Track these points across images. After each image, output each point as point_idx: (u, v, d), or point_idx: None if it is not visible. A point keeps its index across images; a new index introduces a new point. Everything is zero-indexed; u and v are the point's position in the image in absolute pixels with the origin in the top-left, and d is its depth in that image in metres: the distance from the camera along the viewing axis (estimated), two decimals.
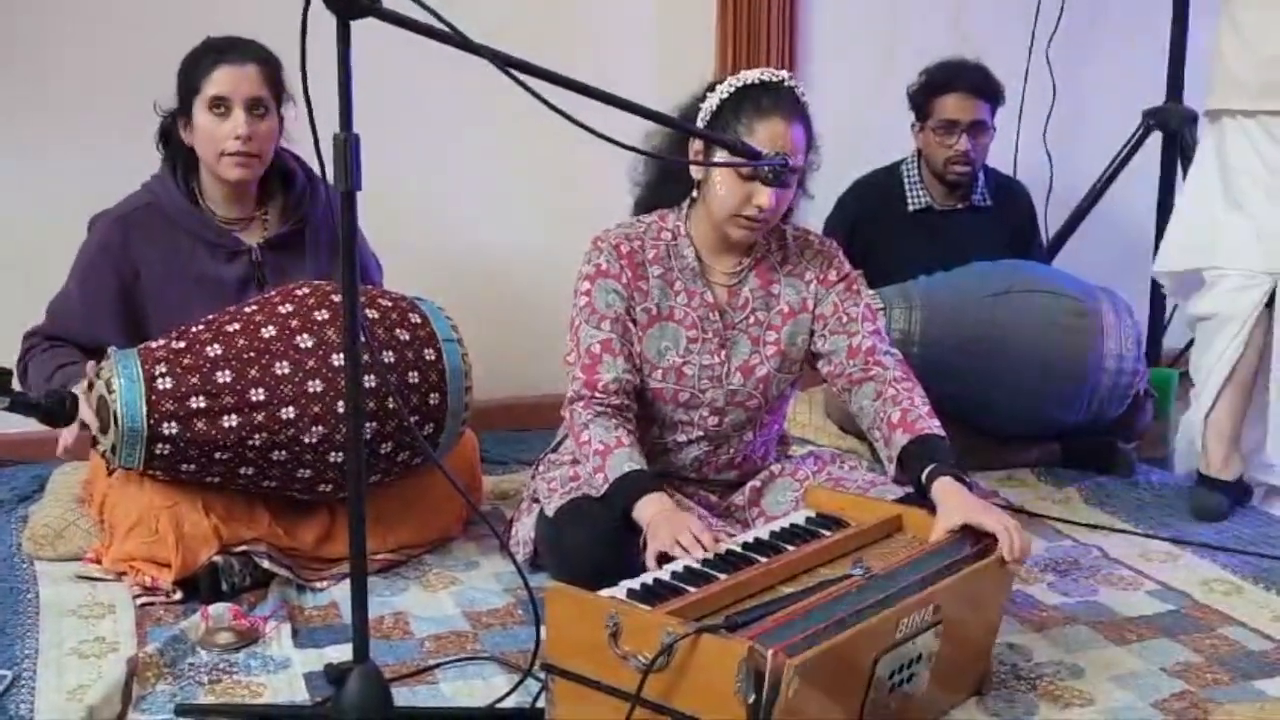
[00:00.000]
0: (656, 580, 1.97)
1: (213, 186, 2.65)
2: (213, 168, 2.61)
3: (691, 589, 1.92)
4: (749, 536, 2.16)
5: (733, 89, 2.37)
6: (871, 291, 2.60)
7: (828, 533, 2.17)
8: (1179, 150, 3.86)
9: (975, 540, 2.11)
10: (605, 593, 1.90)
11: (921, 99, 3.45)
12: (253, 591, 2.49)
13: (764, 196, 2.31)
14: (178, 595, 2.44)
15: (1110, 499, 3.12)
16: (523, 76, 1.72)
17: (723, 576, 1.97)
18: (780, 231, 2.53)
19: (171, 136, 2.64)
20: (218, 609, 2.33)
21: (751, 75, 2.38)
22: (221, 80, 2.55)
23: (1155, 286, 4.03)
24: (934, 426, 2.30)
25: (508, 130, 3.44)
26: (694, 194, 2.46)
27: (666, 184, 2.52)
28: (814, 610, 1.82)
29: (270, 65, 2.58)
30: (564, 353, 2.47)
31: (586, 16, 3.63)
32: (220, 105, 2.55)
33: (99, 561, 2.55)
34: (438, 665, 2.23)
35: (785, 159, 2.28)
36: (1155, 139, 3.92)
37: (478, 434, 3.00)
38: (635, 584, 1.95)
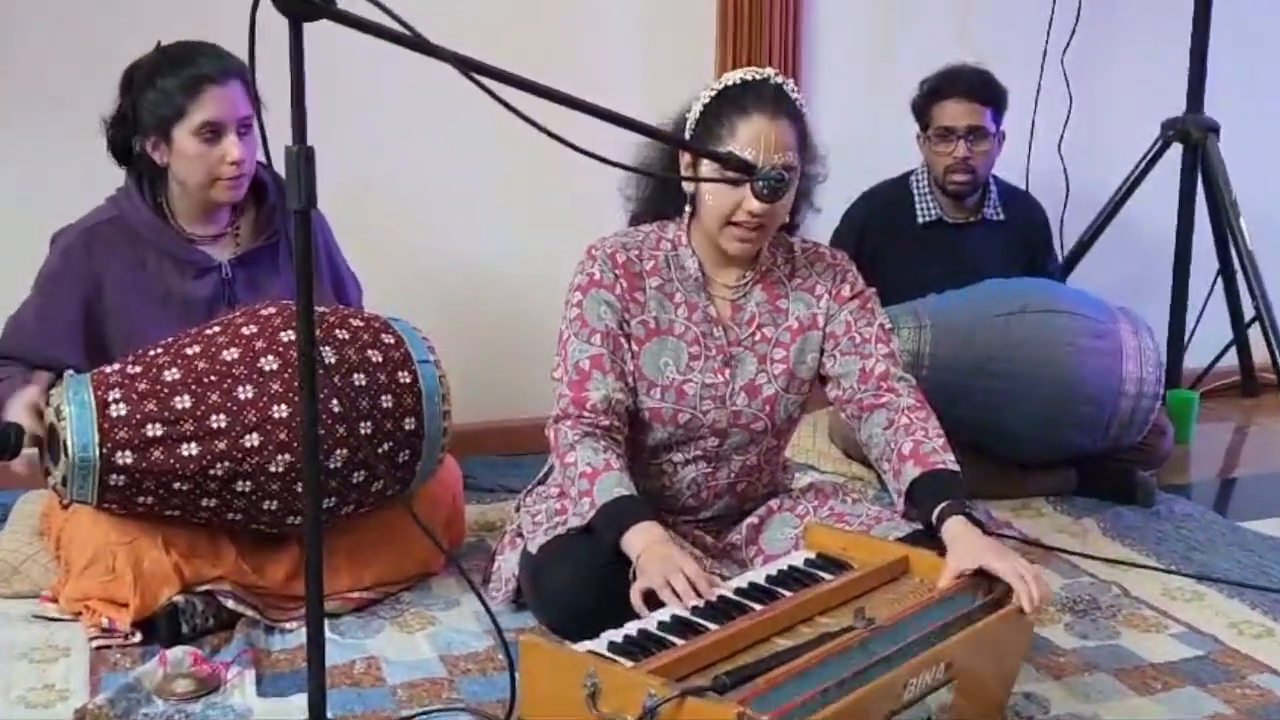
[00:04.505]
0: (641, 631, 1.81)
1: (184, 203, 2.50)
2: (202, 192, 2.46)
3: (679, 641, 1.77)
4: (743, 581, 2.00)
5: (714, 93, 2.23)
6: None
7: (828, 576, 2.01)
8: (1200, 163, 3.74)
9: (987, 587, 1.96)
10: (584, 646, 1.74)
11: (921, 108, 3.35)
12: (216, 634, 2.33)
13: (754, 201, 2.16)
14: (136, 637, 2.29)
15: (1130, 531, 2.95)
16: (490, 83, 1.57)
17: (713, 627, 1.82)
18: (787, 244, 2.38)
19: (131, 150, 2.48)
20: (176, 654, 2.18)
21: (733, 76, 2.25)
22: (212, 105, 2.39)
23: (1175, 305, 3.89)
24: (947, 461, 2.14)
25: (491, 137, 3.28)
26: (689, 207, 2.32)
27: (660, 198, 2.37)
28: (811, 669, 1.67)
29: (245, 75, 2.42)
30: (551, 368, 2.32)
31: (576, 21, 3.48)
32: (211, 130, 2.40)
33: (55, 600, 2.40)
34: (410, 717, 2.07)
35: (781, 174, 2.13)
36: (1175, 151, 3.80)
37: (462, 459, 2.85)
38: (617, 635, 1.79)
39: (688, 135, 2.25)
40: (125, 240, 2.48)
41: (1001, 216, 3.39)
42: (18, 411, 2.27)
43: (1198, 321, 3.93)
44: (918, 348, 3.05)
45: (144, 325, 2.43)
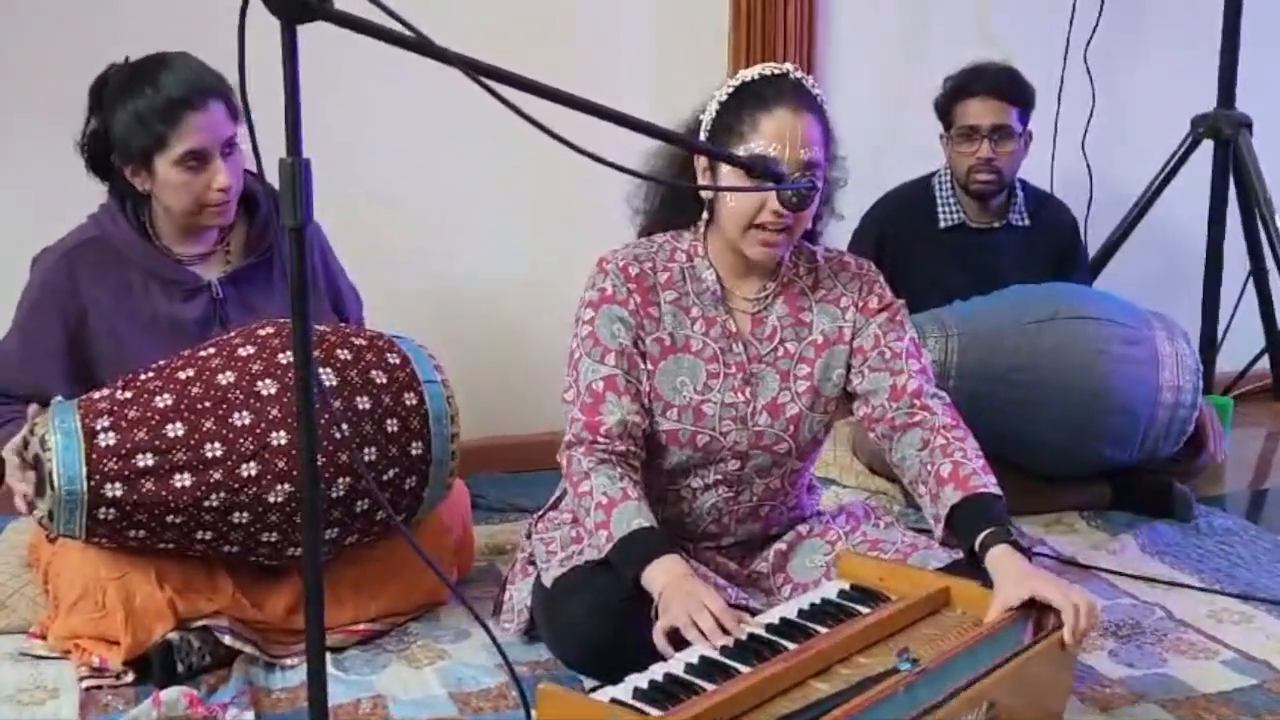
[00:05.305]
0: (667, 675, 1.69)
1: (168, 223, 2.37)
2: (189, 218, 2.34)
3: (708, 685, 1.65)
4: (774, 616, 1.88)
5: (731, 89, 2.11)
6: None
7: (865, 609, 1.89)
8: (1231, 160, 3.61)
9: (1038, 619, 1.83)
10: (607, 693, 1.63)
11: (945, 107, 3.22)
12: (213, 672, 2.21)
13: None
14: (129, 677, 2.17)
15: (1170, 547, 2.83)
16: (499, 87, 1.44)
17: (744, 669, 1.70)
18: (809, 253, 2.26)
19: (111, 167, 2.34)
20: (171, 694, 2.06)
21: (751, 72, 2.13)
22: (194, 134, 2.25)
23: (1206, 308, 3.76)
24: (988, 484, 2.02)
25: (497, 147, 3.18)
26: (706, 214, 2.19)
27: (673, 208, 2.25)
28: (856, 717, 1.54)
29: (226, 93, 2.29)
30: (561, 389, 2.20)
31: (585, 23, 3.36)
32: (195, 158, 2.27)
33: (44, 636, 2.28)
34: None
35: (811, 180, 2.01)
36: (1205, 148, 3.66)
37: (467, 478, 2.73)
38: (642, 680, 1.67)
39: (703, 136, 2.13)
40: (109, 262, 2.35)
41: (1027, 222, 3.27)
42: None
43: (1229, 324, 3.80)
44: (944, 357, 2.92)
45: (132, 351, 2.31)
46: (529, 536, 2.36)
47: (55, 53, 2.91)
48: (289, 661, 2.26)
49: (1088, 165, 3.70)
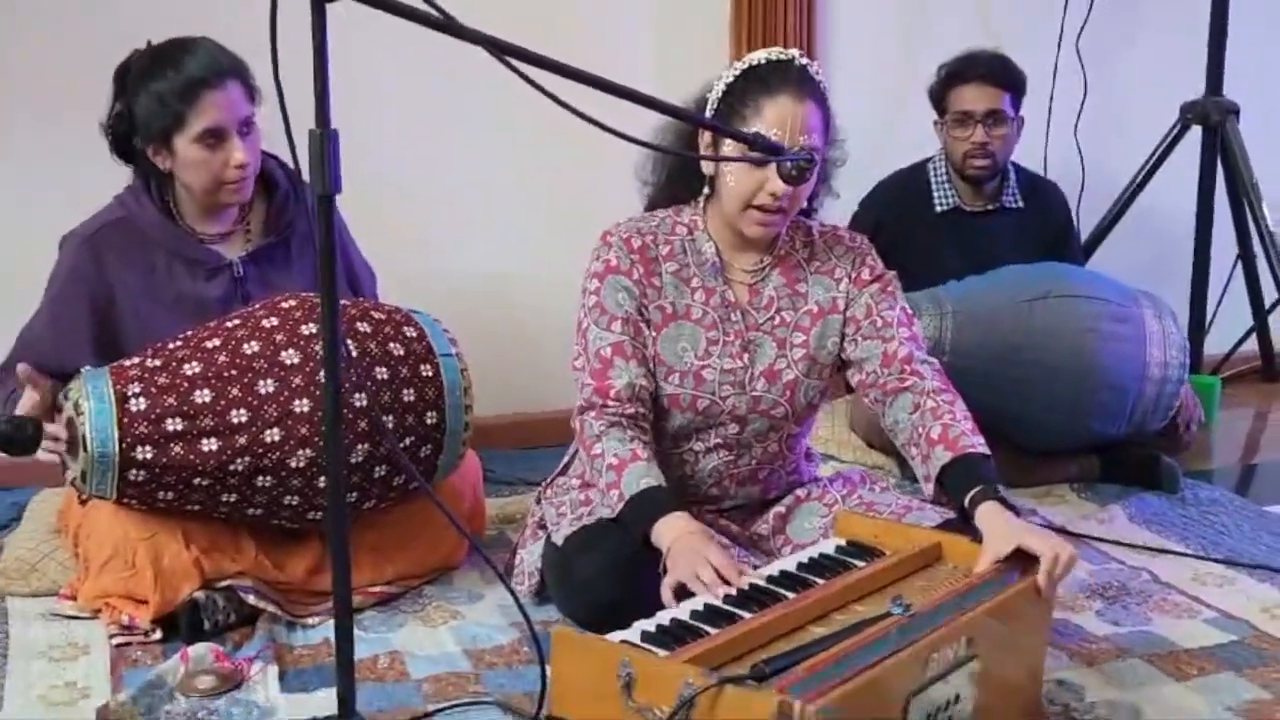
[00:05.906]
0: (674, 620, 1.78)
1: (190, 203, 2.46)
2: (209, 196, 2.42)
3: (713, 630, 1.74)
4: (774, 569, 1.97)
5: (738, 72, 2.21)
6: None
7: (861, 564, 1.98)
8: (1219, 146, 3.69)
9: (1024, 570, 1.93)
10: (617, 636, 1.72)
11: (939, 93, 3.31)
12: (238, 629, 2.30)
13: (778, 182, 2.14)
14: (157, 634, 2.26)
15: (1157, 517, 2.92)
16: (521, 65, 1.54)
17: (747, 615, 1.79)
18: (806, 227, 2.35)
19: (134, 150, 2.43)
20: (199, 650, 2.15)
21: (758, 56, 2.22)
22: (212, 112, 2.34)
23: (1195, 290, 3.84)
24: (977, 444, 2.11)
25: (508, 129, 3.27)
26: (707, 190, 2.29)
27: (679, 182, 2.34)
28: (850, 655, 1.63)
29: (243, 72, 2.38)
30: (571, 358, 2.29)
31: (586, 23, 3.44)
32: (212, 136, 2.35)
33: (74, 598, 2.37)
34: (437, 711, 2.04)
35: (810, 154, 2.10)
36: (1194, 134, 3.74)
37: (481, 452, 2.81)
38: (650, 625, 1.76)
39: (709, 116, 2.22)
40: (134, 243, 2.44)
41: (1020, 204, 3.35)
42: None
43: (1218, 306, 3.88)
44: (939, 335, 3.01)
45: (157, 329, 2.39)
46: (539, 501, 2.45)
47: (55, 53, 2.98)
48: (310, 620, 2.35)
49: (1080, 152, 3.78)
